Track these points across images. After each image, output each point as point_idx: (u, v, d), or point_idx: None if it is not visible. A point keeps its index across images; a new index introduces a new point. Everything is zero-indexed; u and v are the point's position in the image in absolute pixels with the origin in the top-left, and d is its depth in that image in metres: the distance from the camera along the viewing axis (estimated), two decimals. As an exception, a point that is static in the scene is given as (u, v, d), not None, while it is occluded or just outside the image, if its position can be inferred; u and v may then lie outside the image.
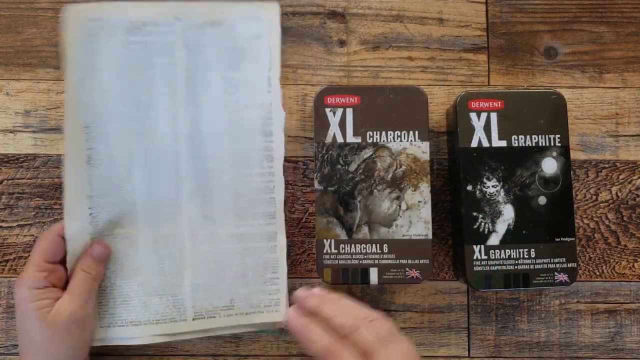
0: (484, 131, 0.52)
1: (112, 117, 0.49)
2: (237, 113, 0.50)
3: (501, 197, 0.51)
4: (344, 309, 0.44)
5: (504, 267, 0.51)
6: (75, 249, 0.48)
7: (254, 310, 0.50)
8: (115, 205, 0.49)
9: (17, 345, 0.54)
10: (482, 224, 0.51)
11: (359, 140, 0.52)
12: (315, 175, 0.52)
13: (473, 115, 0.52)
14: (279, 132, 0.50)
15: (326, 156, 0.52)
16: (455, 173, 0.53)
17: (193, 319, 0.50)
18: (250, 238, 0.51)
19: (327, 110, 0.52)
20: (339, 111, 0.52)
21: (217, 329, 0.50)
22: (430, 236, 0.51)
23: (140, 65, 0.49)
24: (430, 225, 0.51)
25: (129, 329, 0.49)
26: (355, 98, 0.52)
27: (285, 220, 0.51)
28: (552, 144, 0.52)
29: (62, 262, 0.48)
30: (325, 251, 0.51)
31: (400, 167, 0.52)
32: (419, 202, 0.51)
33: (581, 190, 0.56)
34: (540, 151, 0.52)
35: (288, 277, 0.51)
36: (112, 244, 0.49)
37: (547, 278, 0.51)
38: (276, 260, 0.51)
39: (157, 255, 0.50)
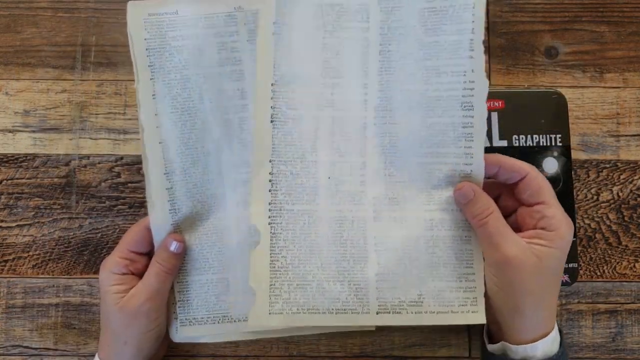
0: (485, 131, 0.52)
1: (300, 78, 0.46)
2: (434, 83, 0.45)
3: (502, 197, 0.51)
4: None
5: (505, 267, 0.51)
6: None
7: (446, 310, 0.45)
8: (296, 176, 0.45)
9: (17, 345, 0.54)
10: (483, 224, 0.51)
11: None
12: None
13: (474, 115, 0.52)
14: (480, 105, 0.44)
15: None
16: (455, 173, 0.53)
17: (377, 313, 0.45)
18: (441, 225, 0.46)
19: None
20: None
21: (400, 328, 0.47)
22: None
23: (332, 28, 0.46)
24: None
25: (305, 316, 0.44)
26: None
27: None
28: (553, 143, 0.52)
29: (149, 253, 0.49)
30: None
31: (401, 167, 0.52)
32: (420, 202, 0.51)
33: (582, 190, 0.55)
34: (541, 151, 0.52)
35: None
36: (291, 219, 0.45)
37: (548, 278, 0.51)
38: (471, 252, 0.45)
39: (339, 237, 0.45)
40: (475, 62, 0.44)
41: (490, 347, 0.45)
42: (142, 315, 0.46)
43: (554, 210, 0.44)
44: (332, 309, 0.45)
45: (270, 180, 0.45)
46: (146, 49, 0.47)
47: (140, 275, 0.48)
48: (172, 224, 0.48)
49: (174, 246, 0.47)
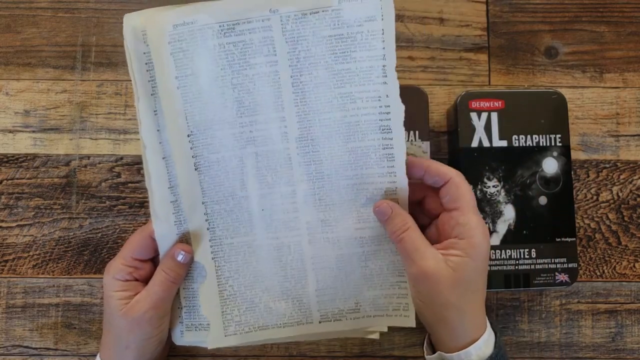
0: (485, 131, 0.52)
1: (216, 123, 0.46)
2: (350, 109, 0.46)
3: (502, 197, 0.51)
4: None
5: (505, 267, 0.51)
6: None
7: (382, 314, 0.49)
8: (230, 212, 0.47)
9: (17, 345, 0.54)
10: (483, 224, 0.51)
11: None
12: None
13: (473, 115, 0.52)
14: (398, 127, 0.45)
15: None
16: (455, 173, 0.53)
17: (319, 322, 0.49)
18: (371, 241, 0.48)
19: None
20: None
21: (343, 332, 0.49)
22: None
23: (239, 67, 0.45)
24: (431, 226, 0.50)
25: (257, 333, 0.48)
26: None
27: None
28: (553, 143, 0.52)
29: (154, 259, 0.49)
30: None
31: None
32: (420, 202, 0.51)
33: (582, 190, 0.55)
34: (540, 151, 0.52)
35: None
36: (232, 251, 0.48)
37: (547, 278, 0.51)
38: (401, 262, 0.48)
39: (278, 261, 0.48)
40: (389, 88, 0.44)
41: (429, 358, 0.46)
42: (145, 323, 0.46)
43: (467, 217, 0.44)
44: (280, 324, 0.49)
45: (206, 220, 0.47)
46: (146, 63, 0.46)
47: (144, 281, 0.48)
48: (178, 234, 0.48)
49: (181, 257, 0.47)
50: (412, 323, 0.48)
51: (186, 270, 0.48)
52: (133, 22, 0.45)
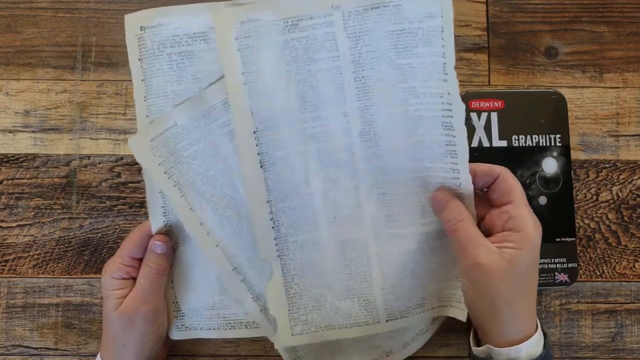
0: (485, 131, 0.52)
1: (280, 120, 0.46)
2: (413, 103, 0.45)
3: (502, 197, 0.51)
4: None
5: (505, 267, 0.51)
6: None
7: (445, 304, 0.49)
8: (294, 210, 0.47)
9: (17, 345, 0.54)
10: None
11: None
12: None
13: (473, 115, 0.52)
14: (460, 126, 0.44)
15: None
16: (455, 173, 0.53)
17: (387, 321, 0.48)
18: (437, 235, 0.47)
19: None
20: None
21: (410, 328, 0.50)
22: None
23: (303, 63, 0.45)
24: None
25: (324, 333, 0.48)
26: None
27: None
28: (553, 143, 0.52)
29: None
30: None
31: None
32: (420, 202, 0.51)
33: (582, 190, 0.55)
34: (540, 151, 0.52)
35: None
36: (297, 249, 0.48)
37: (547, 278, 0.51)
38: None
39: (343, 259, 0.48)
40: (450, 85, 0.44)
41: (476, 350, 0.46)
42: (139, 319, 0.47)
43: (520, 210, 0.44)
44: (347, 324, 0.48)
45: (271, 219, 0.47)
46: (139, 46, 0.47)
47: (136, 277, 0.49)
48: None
49: (158, 248, 0.48)
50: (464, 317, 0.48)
51: (169, 261, 0.49)
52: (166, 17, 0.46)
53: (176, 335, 0.51)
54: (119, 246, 0.54)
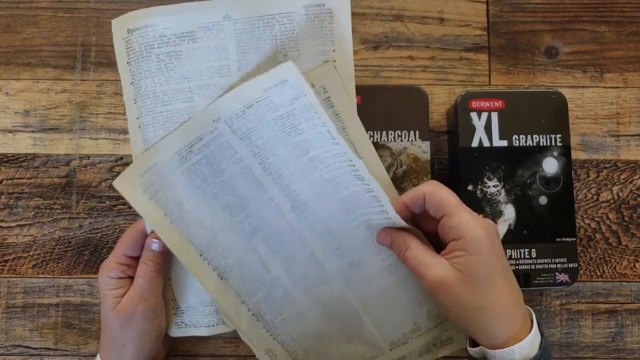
0: (485, 131, 0.52)
1: (218, 234, 0.49)
2: (322, 168, 0.48)
3: (502, 197, 0.51)
4: None
5: (505, 267, 0.51)
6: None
7: (439, 323, 0.51)
8: (268, 297, 0.50)
9: (17, 345, 0.54)
10: (483, 224, 0.51)
11: (359, 140, 0.51)
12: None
13: (474, 115, 0.52)
14: (368, 176, 0.46)
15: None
16: (455, 173, 0.53)
17: (390, 350, 0.51)
18: (399, 265, 0.48)
19: (328, 110, 0.52)
20: (340, 111, 0.52)
21: (414, 351, 0.51)
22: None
23: (213, 179, 0.48)
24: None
25: None
26: (357, 98, 0.52)
27: None
28: (553, 143, 0.52)
29: None
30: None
31: (401, 167, 0.52)
32: (420, 202, 0.51)
33: (582, 190, 0.55)
34: (541, 151, 0.52)
35: None
36: (288, 326, 0.51)
37: (548, 278, 0.51)
38: None
39: (329, 314, 0.51)
40: (342, 147, 0.46)
41: (471, 351, 0.46)
42: (137, 318, 0.47)
43: (456, 219, 0.43)
44: None
45: (252, 315, 0.50)
46: (127, 49, 0.48)
47: (133, 276, 0.49)
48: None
49: (155, 245, 0.48)
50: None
51: (166, 259, 0.49)
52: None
53: (176, 332, 0.51)
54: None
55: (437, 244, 0.46)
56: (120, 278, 0.48)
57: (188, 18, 0.47)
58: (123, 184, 0.47)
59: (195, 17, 0.47)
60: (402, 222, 0.46)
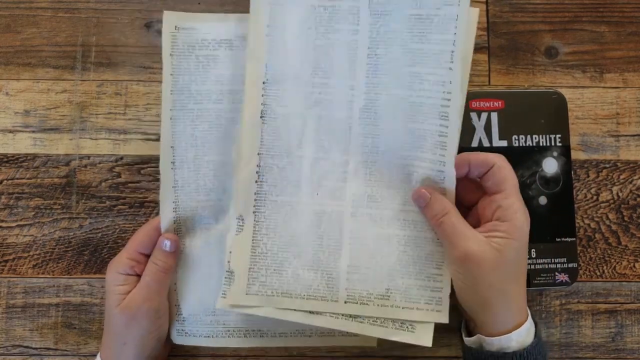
0: (485, 131, 0.52)
1: (291, 78, 0.48)
2: (417, 89, 0.46)
3: (502, 197, 0.51)
4: None
5: (505, 267, 0.51)
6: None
7: (412, 306, 0.47)
8: (281, 170, 0.48)
9: (17, 345, 0.54)
10: (483, 224, 0.51)
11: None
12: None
13: (473, 115, 0.52)
14: (455, 117, 0.45)
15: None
16: (455, 173, 0.53)
17: (345, 302, 0.47)
18: (414, 225, 0.47)
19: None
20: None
21: (367, 322, 0.47)
22: (431, 236, 0.50)
23: (324, 30, 0.47)
24: (430, 225, 0.50)
25: (279, 299, 0.47)
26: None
27: None
28: (553, 143, 0.52)
29: None
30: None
31: (401, 166, 0.52)
32: (420, 202, 0.51)
33: (582, 190, 0.55)
34: (540, 151, 0.52)
35: None
36: (274, 209, 0.48)
37: (547, 278, 0.51)
38: (441, 253, 0.47)
39: (317, 229, 0.48)
40: (454, 75, 0.45)
41: (467, 340, 0.46)
42: (141, 316, 0.47)
43: (511, 200, 0.44)
44: (304, 295, 0.47)
45: (257, 172, 0.48)
46: (172, 43, 0.50)
47: (141, 274, 0.49)
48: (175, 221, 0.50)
49: (167, 245, 0.48)
50: (445, 319, 0.47)
51: (175, 260, 0.49)
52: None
53: (177, 339, 0.51)
54: (120, 246, 0.54)
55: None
56: (129, 275, 0.48)
57: (228, 27, 0.50)
58: None
59: (234, 27, 0.50)
60: (452, 181, 0.45)
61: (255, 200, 0.48)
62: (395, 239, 0.48)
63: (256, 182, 0.48)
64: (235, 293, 0.47)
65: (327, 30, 0.47)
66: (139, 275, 0.48)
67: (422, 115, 0.46)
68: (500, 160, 0.45)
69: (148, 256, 0.49)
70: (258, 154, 0.48)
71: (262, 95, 0.48)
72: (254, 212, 0.48)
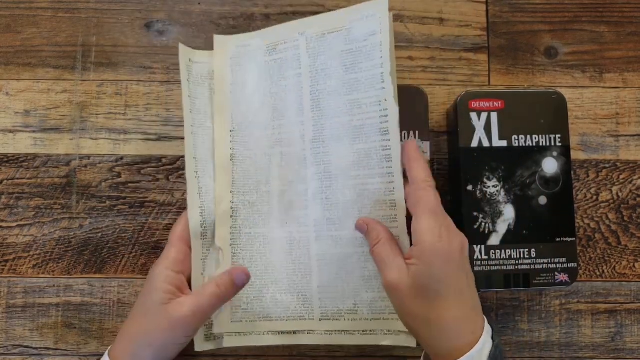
0: (485, 131, 0.52)
1: (254, 124, 0.53)
2: (357, 114, 0.50)
3: (501, 197, 0.51)
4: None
5: (505, 267, 0.51)
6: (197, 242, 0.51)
7: (378, 317, 0.50)
8: (252, 205, 0.52)
9: (17, 345, 0.54)
10: (483, 224, 0.51)
11: (359, 140, 0.52)
12: (315, 175, 0.52)
13: (473, 115, 0.52)
14: (394, 129, 0.48)
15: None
16: (455, 173, 0.53)
17: (320, 319, 0.51)
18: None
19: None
20: (340, 111, 0.52)
21: (343, 334, 0.51)
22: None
23: (277, 79, 0.53)
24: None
25: (261, 323, 0.51)
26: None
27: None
28: (553, 143, 0.52)
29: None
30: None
31: (401, 166, 0.52)
32: (420, 202, 0.51)
33: (582, 190, 0.56)
34: (540, 151, 0.52)
35: None
36: (249, 241, 0.52)
37: (547, 278, 0.51)
38: None
39: (289, 255, 0.52)
40: (387, 92, 0.48)
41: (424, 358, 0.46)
42: (180, 326, 0.45)
43: (418, 222, 0.43)
44: (284, 317, 0.52)
45: (231, 208, 0.52)
46: (187, 71, 0.53)
47: (185, 274, 0.49)
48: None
49: (241, 279, 0.48)
50: (402, 326, 0.48)
51: (237, 293, 0.48)
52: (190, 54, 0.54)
53: (203, 346, 0.51)
54: (120, 246, 0.54)
55: None
56: (179, 272, 0.48)
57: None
58: (221, 44, 0.54)
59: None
60: (401, 189, 0.47)
61: (231, 233, 0.52)
62: (356, 257, 0.50)
63: (231, 217, 0.52)
64: (221, 321, 0.51)
65: (279, 79, 0.53)
66: (183, 274, 0.48)
67: (365, 135, 0.50)
68: (419, 181, 0.45)
69: (189, 249, 0.49)
70: (231, 191, 0.52)
71: (231, 142, 0.53)
72: (231, 245, 0.51)
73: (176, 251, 0.49)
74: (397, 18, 0.57)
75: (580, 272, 0.54)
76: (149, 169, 0.55)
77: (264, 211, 0.52)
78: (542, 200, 0.51)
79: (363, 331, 0.51)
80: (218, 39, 0.55)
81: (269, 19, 0.57)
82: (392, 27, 0.49)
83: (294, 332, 0.51)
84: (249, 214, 0.52)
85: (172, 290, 0.46)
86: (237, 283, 0.48)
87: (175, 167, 0.56)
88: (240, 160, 0.53)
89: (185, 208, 0.51)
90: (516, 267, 0.51)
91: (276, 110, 0.53)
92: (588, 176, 0.56)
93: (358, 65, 0.50)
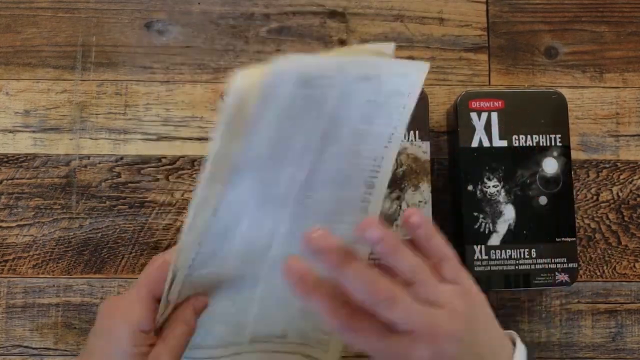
0: (485, 131, 0.52)
1: (249, 164, 0.43)
2: (353, 164, 0.47)
3: (502, 197, 0.51)
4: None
5: (505, 267, 0.51)
6: (176, 286, 0.44)
7: (306, 342, 0.50)
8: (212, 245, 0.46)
9: (17, 345, 0.54)
10: (483, 224, 0.51)
11: (359, 140, 0.51)
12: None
13: (473, 115, 0.52)
14: (381, 188, 0.46)
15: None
16: (455, 173, 0.53)
17: (249, 342, 0.50)
18: None
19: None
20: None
21: (273, 353, 0.50)
22: (430, 236, 0.50)
23: (294, 116, 0.44)
24: (430, 225, 0.50)
25: (192, 352, 0.47)
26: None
27: None
28: (553, 143, 0.52)
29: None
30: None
31: (401, 167, 0.52)
32: (420, 202, 0.51)
33: (582, 190, 0.55)
34: (540, 151, 0.52)
35: None
36: (199, 281, 0.45)
37: (547, 278, 0.51)
38: None
39: (235, 291, 0.48)
40: (388, 152, 0.46)
41: None
42: None
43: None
44: (214, 345, 0.49)
45: (198, 244, 0.45)
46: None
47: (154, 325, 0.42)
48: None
49: (201, 311, 0.44)
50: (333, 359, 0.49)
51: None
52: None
53: None
54: (120, 246, 0.54)
55: None
56: (150, 330, 0.41)
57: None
58: (248, 80, 0.41)
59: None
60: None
61: (189, 267, 0.45)
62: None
63: (197, 254, 0.44)
64: None
65: (303, 113, 0.44)
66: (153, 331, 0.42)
67: (350, 184, 0.47)
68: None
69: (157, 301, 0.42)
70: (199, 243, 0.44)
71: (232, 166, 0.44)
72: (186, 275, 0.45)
73: (147, 308, 0.41)
74: (397, 18, 0.57)
75: (581, 272, 0.54)
76: (148, 169, 0.55)
77: (223, 250, 0.45)
78: (543, 200, 0.51)
79: (292, 353, 0.50)
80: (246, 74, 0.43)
81: (269, 19, 0.57)
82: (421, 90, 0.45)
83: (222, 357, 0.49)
84: (208, 256, 0.44)
85: (144, 351, 0.40)
86: (198, 314, 0.44)
87: (175, 167, 0.56)
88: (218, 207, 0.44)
89: (182, 211, 0.51)
90: (516, 267, 0.51)
91: (277, 152, 0.44)
92: (588, 176, 0.56)
93: (375, 119, 0.46)
